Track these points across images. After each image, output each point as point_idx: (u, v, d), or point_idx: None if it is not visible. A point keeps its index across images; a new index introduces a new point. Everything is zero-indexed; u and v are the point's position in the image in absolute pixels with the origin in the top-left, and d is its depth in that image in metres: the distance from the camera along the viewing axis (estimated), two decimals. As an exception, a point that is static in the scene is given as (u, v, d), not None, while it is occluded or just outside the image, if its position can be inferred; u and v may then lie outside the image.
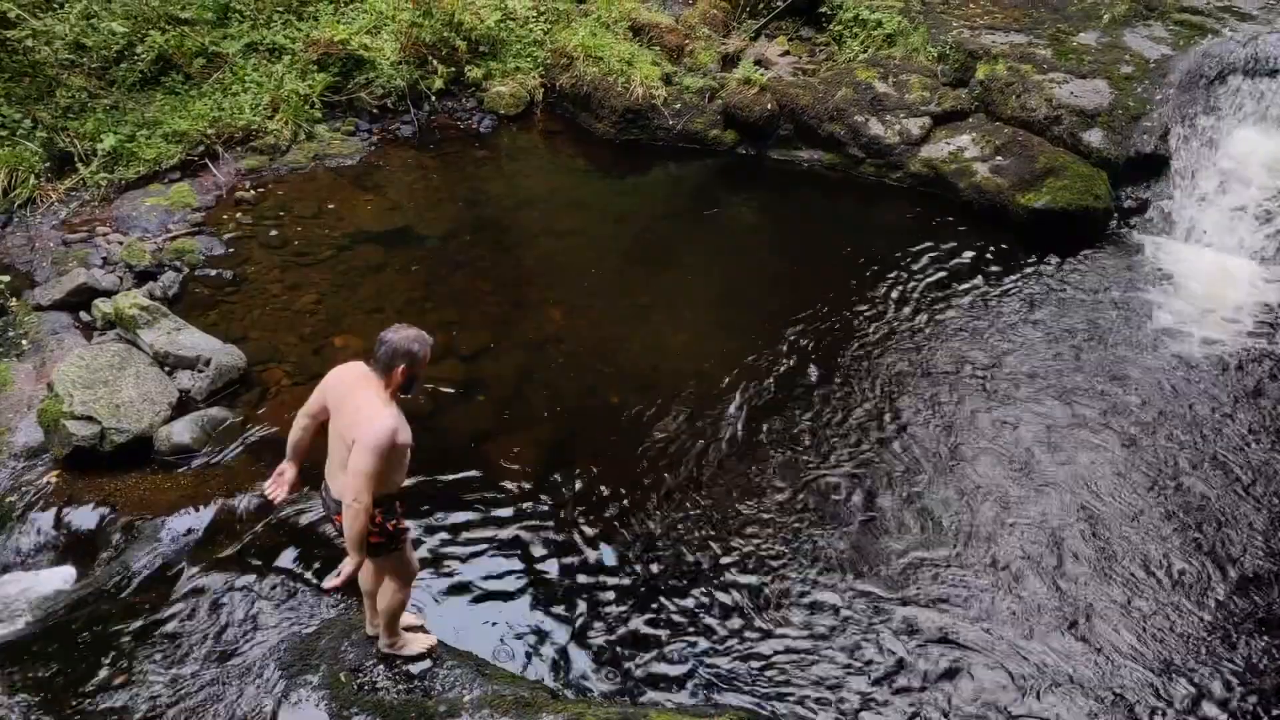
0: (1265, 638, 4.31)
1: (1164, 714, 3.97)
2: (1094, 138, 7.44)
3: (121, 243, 6.75)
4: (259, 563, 4.44)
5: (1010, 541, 4.76)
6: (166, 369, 5.48)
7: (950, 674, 4.11)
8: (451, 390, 5.66)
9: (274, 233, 7.10)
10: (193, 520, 4.56)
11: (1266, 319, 6.43)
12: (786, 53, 9.09)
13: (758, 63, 8.87)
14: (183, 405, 5.30)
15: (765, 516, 4.89)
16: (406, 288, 6.69)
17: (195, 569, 4.31)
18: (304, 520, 4.68)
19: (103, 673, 3.86)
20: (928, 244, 7.25)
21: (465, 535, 4.73)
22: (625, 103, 8.64)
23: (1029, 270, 6.93)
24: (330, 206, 7.50)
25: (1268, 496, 5.06)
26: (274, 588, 4.30)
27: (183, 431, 5.06)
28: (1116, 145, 7.38)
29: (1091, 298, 6.65)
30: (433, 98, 8.79)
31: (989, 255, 7.08)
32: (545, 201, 8.07)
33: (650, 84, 8.64)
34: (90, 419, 4.94)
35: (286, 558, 4.50)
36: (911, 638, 4.27)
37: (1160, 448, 5.39)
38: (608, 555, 4.66)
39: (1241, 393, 5.82)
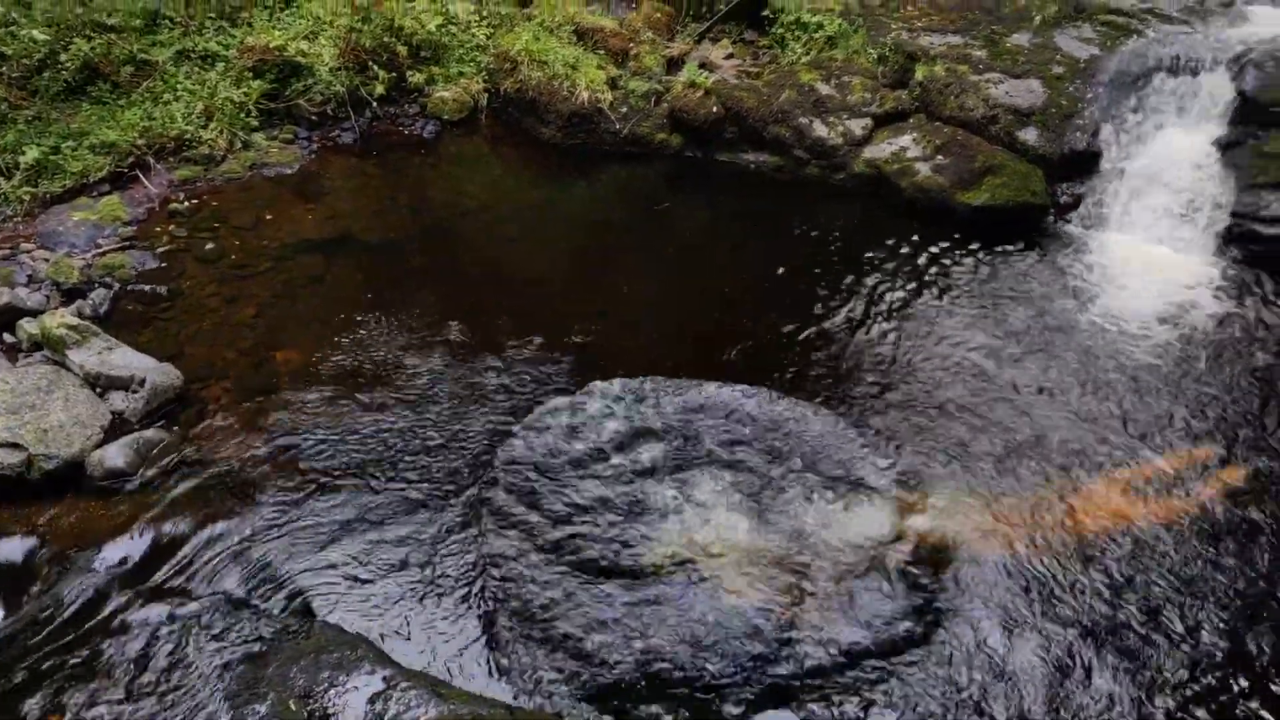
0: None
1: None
2: (1029, 136, 7.59)
3: (48, 260, 6.52)
4: (201, 588, 4.31)
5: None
6: (98, 390, 5.30)
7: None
8: (397, 402, 5.56)
9: (210, 245, 6.91)
10: (129, 548, 4.41)
11: (1186, 302, 6.65)
12: (730, 56, 9.12)
13: (702, 66, 8.88)
14: (116, 428, 5.12)
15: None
16: (350, 298, 6.57)
17: (133, 599, 4.17)
18: (248, 542, 4.56)
19: (35, 712, 3.70)
20: (873, 242, 7.33)
21: (413, 555, 4.65)
22: (571, 107, 8.59)
23: (970, 264, 7.06)
24: (269, 216, 7.33)
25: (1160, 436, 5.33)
26: (217, 613, 4.17)
27: (116, 455, 4.89)
28: (1051, 143, 7.54)
29: (1028, 288, 6.80)
30: (374, 104, 8.65)
31: (932, 251, 7.19)
32: (492, 207, 7.99)
33: (596, 88, 8.61)
34: (15, 446, 4.75)
35: (230, 581, 4.38)
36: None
37: (1066, 396, 5.77)
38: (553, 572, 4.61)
39: (1154, 362, 6.12)
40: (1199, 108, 7.39)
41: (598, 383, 5.55)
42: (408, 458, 5.17)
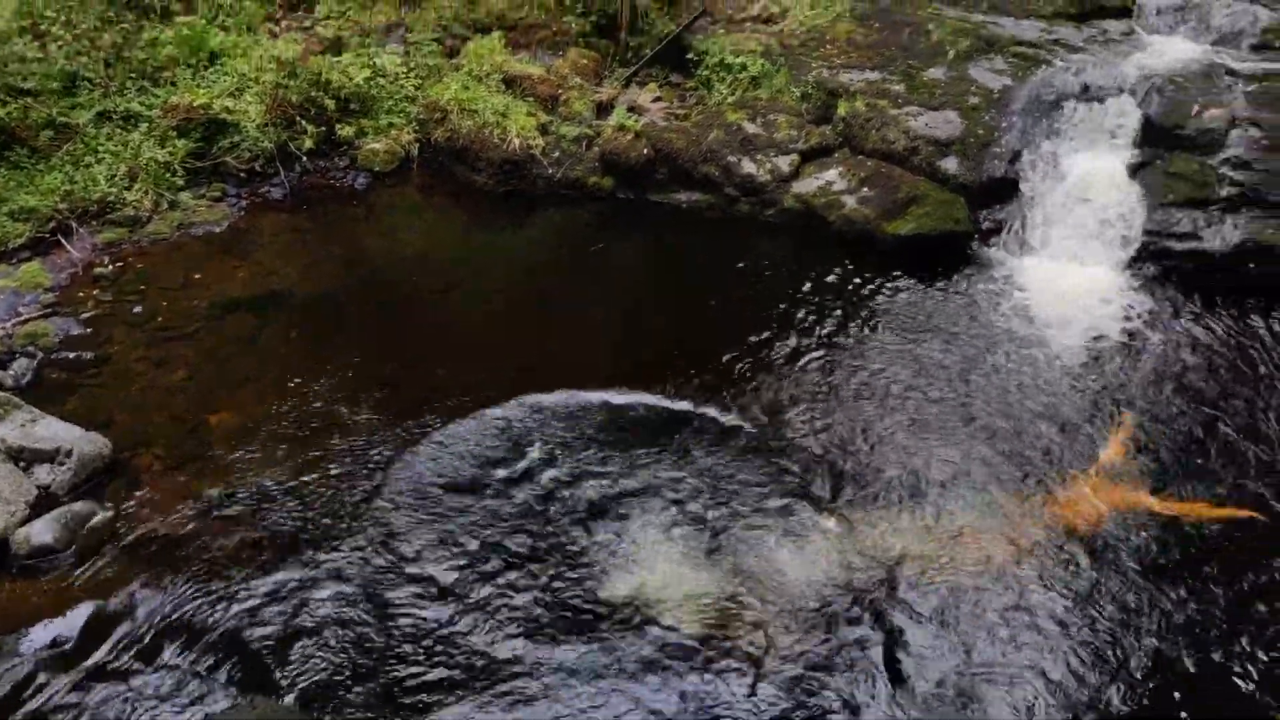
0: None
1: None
2: (950, 165, 7.84)
3: (-33, 331, 6.34)
4: (139, 665, 4.17)
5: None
6: (22, 465, 5.12)
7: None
8: (336, 460, 5.48)
9: (137, 308, 6.77)
10: (60, 628, 4.25)
11: (1105, 320, 6.87)
12: (658, 98, 9.28)
13: (631, 109, 9.02)
14: (43, 502, 4.95)
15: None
16: (284, 355, 6.48)
17: (66, 681, 4.01)
18: (187, 613, 4.43)
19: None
20: (804, 275, 7.47)
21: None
22: (503, 154, 8.65)
23: (897, 293, 7.24)
24: (197, 276, 7.21)
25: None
26: (158, 689, 4.05)
27: (43, 531, 4.73)
28: (971, 171, 7.79)
29: (953, 314, 6.99)
30: (303, 158, 8.60)
31: (860, 282, 7.35)
32: (427, 257, 7.98)
33: (527, 134, 8.68)
34: (-64, 528, 4.57)
35: (170, 653, 4.25)
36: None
37: (1000, 413, 5.95)
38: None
39: (1075, 375, 6.35)
40: (1108, 133, 7.72)
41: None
42: (342, 518, 5.08)
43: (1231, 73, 7.85)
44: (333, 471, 5.38)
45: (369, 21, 9.46)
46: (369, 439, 5.64)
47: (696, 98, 9.18)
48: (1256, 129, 7.39)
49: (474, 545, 4.88)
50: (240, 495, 5.17)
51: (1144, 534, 5.05)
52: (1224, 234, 7.17)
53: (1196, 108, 7.52)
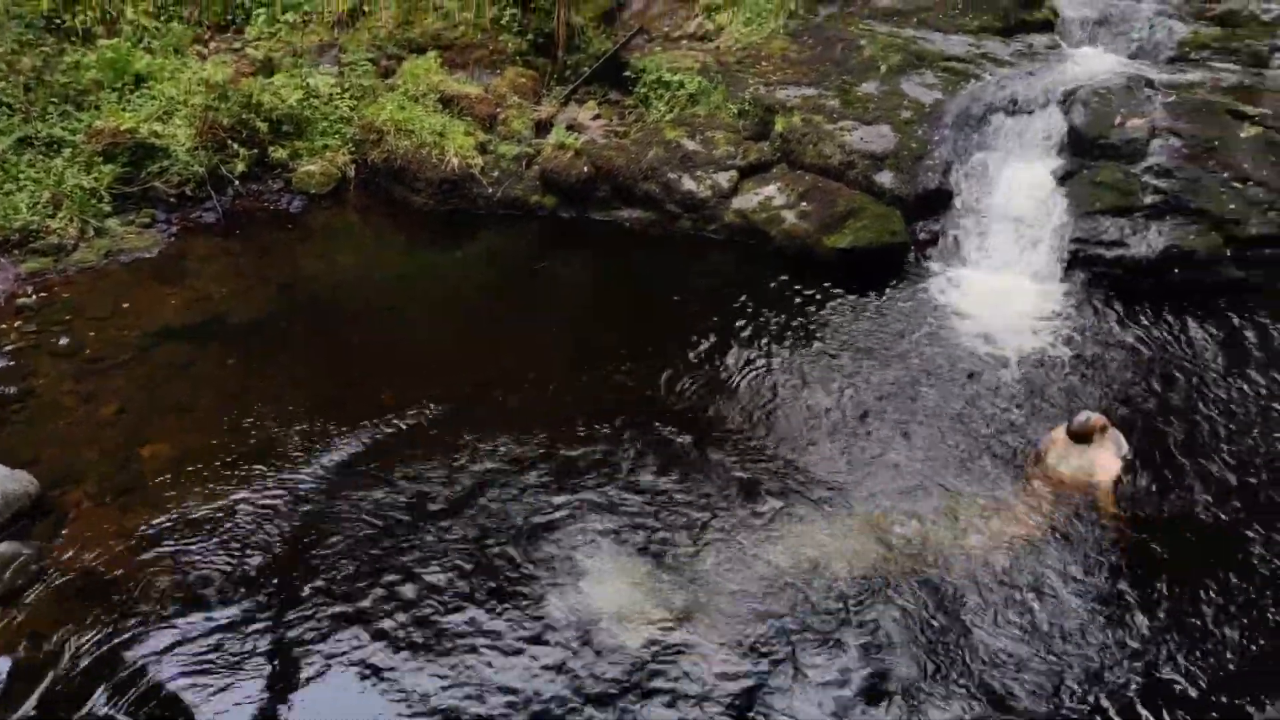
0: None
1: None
2: (885, 179, 7.98)
3: (-120, 369, 6.06)
4: (69, 712, 4.00)
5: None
6: (-58, 506, 4.91)
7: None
8: (274, 489, 5.35)
9: (63, 340, 6.55)
10: (-18, 677, 4.07)
11: (1038, 325, 7.04)
12: (597, 116, 9.30)
13: (570, 127, 9.03)
14: (-36, 545, 4.75)
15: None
16: (221, 384, 6.32)
17: (-11, 733, 3.84)
18: (118, 656, 4.27)
19: None
20: (746, 290, 7.52)
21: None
22: (441, 174, 8.58)
23: (839, 305, 7.33)
24: (127, 305, 7.01)
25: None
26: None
27: (-35, 575, 4.52)
28: (905, 184, 7.94)
29: (892, 324, 7.10)
30: (236, 182, 8.44)
31: (802, 294, 7.43)
32: (367, 279, 7.88)
33: (465, 153, 8.63)
34: None
35: (99, 700, 4.08)
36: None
37: (936, 423, 6.06)
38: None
39: (1011, 381, 6.48)
40: (1036, 143, 7.94)
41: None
42: (281, 549, 4.95)
43: (1150, 84, 8.13)
44: (270, 501, 5.24)
45: (301, 42, 9.34)
46: (309, 465, 5.52)
47: (635, 115, 9.22)
48: (1176, 138, 7.65)
49: (409, 579, 4.78)
50: (173, 532, 5.01)
51: (1085, 532, 5.17)
52: (1149, 240, 7.40)
53: (1119, 118, 7.77)
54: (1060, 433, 5.59)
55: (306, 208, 8.68)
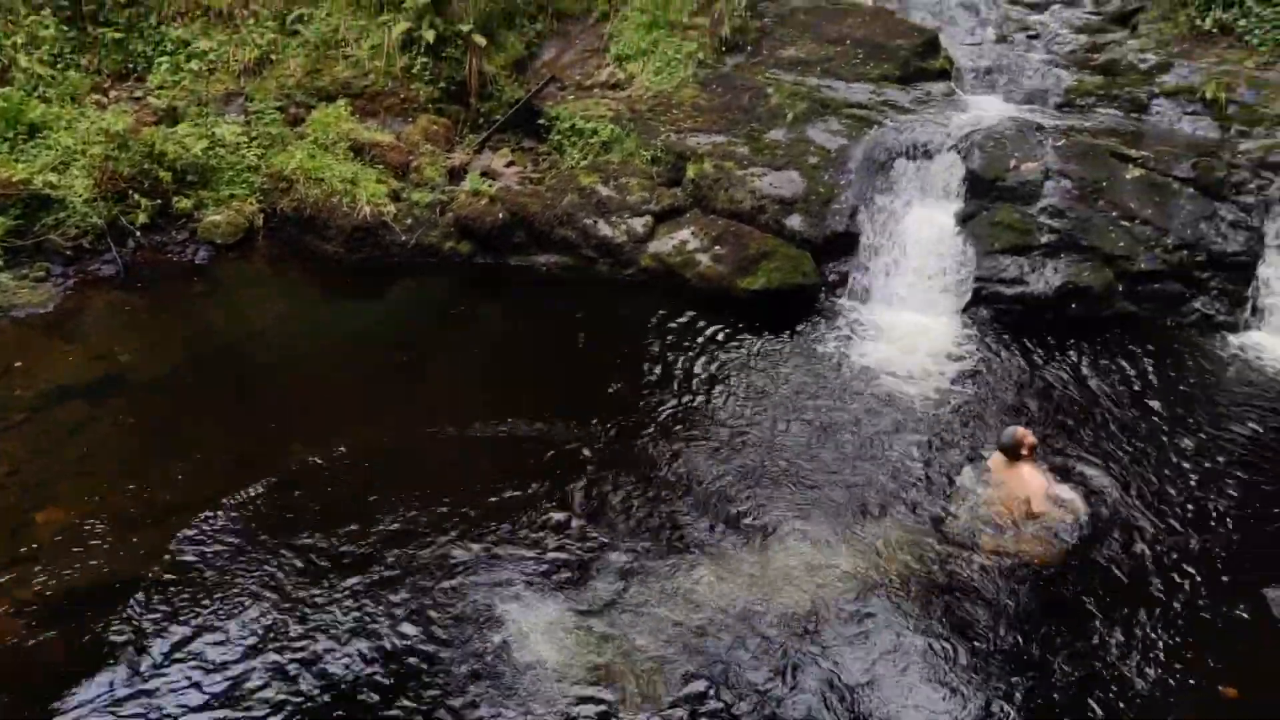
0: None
1: None
2: (795, 222, 8.19)
3: None
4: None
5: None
6: None
7: None
8: (175, 552, 5.13)
9: (-51, 402, 6.22)
10: None
11: (943, 361, 7.27)
12: (512, 163, 9.33)
13: (485, 174, 9.03)
14: None
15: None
16: (121, 445, 6.06)
17: None
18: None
19: None
20: (663, 333, 7.62)
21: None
22: (353, 222, 8.48)
23: (753, 344, 7.46)
24: (20, 364, 6.70)
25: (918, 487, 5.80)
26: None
27: None
28: (814, 227, 8.16)
29: (806, 361, 7.27)
30: (137, 233, 8.19)
31: (719, 335, 7.56)
32: (277, 330, 7.70)
33: (378, 201, 8.55)
34: None
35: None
36: None
37: (850, 460, 6.19)
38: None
39: (918, 416, 6.66)
40: (937, 186, 8.25)
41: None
42: (185, 615, 4.74)
43: (1041, 129, 8.56)
44: (174, 567, 5.02)
45: (206, 91, 9.16)
46: (214, 527, 5.31)
47: (550, 162, 9.29)
48: (1067, 180, 8.05)
49: (312, 650, 4.63)
50: (68, 602, 4.75)
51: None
52: (1047, 277, 7.74)
53: (1014, 162, 8.15)
54: (995, 458, 5.80)
55: (213, 259, 8.46)
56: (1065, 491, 5.66)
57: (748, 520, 5.58)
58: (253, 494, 5.58)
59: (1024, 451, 5.65)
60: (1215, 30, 9.66)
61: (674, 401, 6.71)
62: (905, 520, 5.62)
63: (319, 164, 8.63)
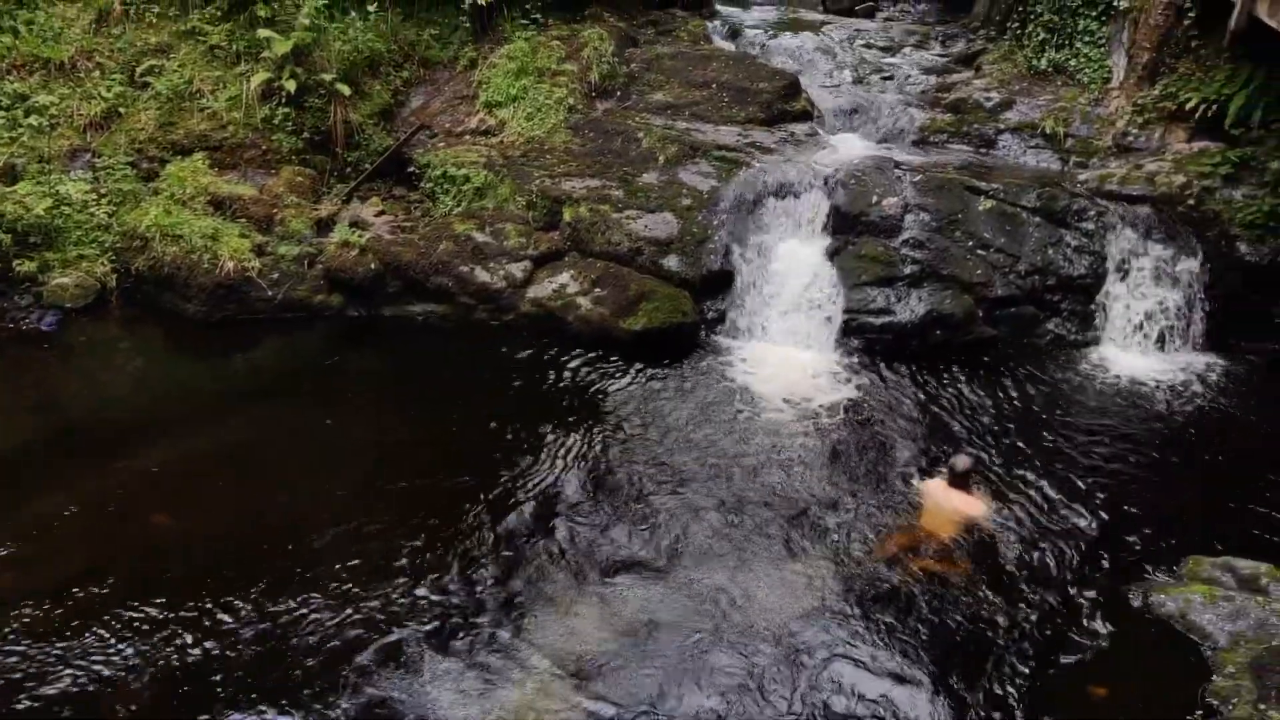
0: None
1: None
2: (672, 263, 8.29)
3: None
4: None
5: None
6: None
7: None
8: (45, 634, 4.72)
9: None
10: None
11: (817, 392, 7.48)
12: (382, 212, 9.14)
13: (354, 224, 8.81)
14: None
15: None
16: (-42, 530, 5.56)
17: None
18: None
19: None
20: (548, 376, 7.56)
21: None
22: (215, 279, 8.12)
23: (636, 384, 7.51)
24: None
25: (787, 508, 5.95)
26: None
27: None
28: (691, 267, 8.28)
29: (688, 398, 7.34)
30: (-28, 300, 7.61)
31: (603, 377, 7.57)
32: (136, 396, 7.26)
33: (241, 257, 8.21)
34: None
35: None
36: None
37: (738, 491, 6.28)
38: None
39: (788, 442, 6.84)
40: (805, 223, 8.51)
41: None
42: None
43: (899, 165, 8.96)
44: (12, 667, 4.61)
45: (48, 148, 8.64)
46: (66, 627, 4.89)
47: (423, 209, 9.14)
48: (926, 213, 8.44)
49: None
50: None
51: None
52: (912, 306, 8.06)
53: (875, 197, 8.49)
54: (930, 484, 6.12)
55: (63, 323, 7.94)
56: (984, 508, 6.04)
57: (636, 559, 5.55)
58: (105, 581, 5.19)
59: (970, 478, 6.04)
60: (1050, 69, 10.37)
61: (559, 447, 6.63)
62: (800, 543, 5.72)
63: (176, 220, 8.24)
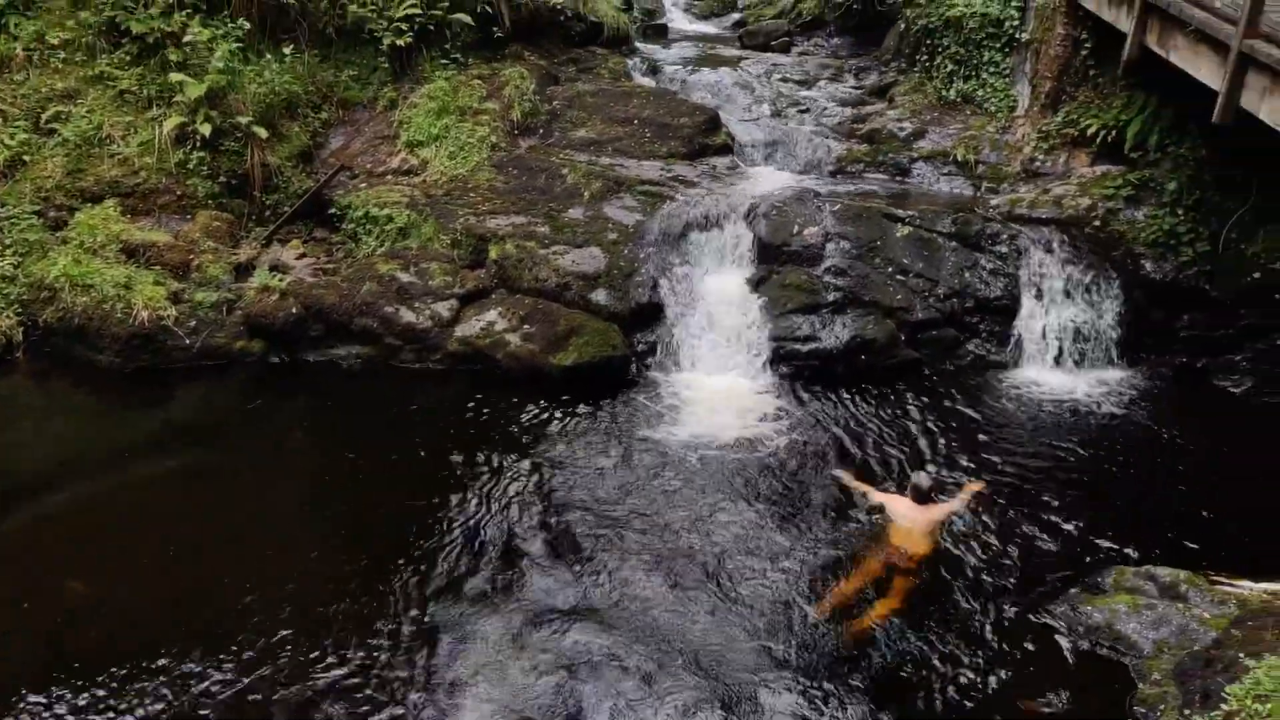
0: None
1: None
2: (600, 297, 8.29)
3: None
4: None
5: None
6: None
7: None
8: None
9: None
10: None
11: (746, 419, 7.54)
12: (303, 255, 8.98)
13: (275, 268, 8.63)
14: None
15: None
16: None
17: None
18: None
19: None
20: (474, 417, 7.48)
21: None
22: (129, 329, 7.86)
23: (568, 420, 7.48)
24: None
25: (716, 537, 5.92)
26: None
27: None
28: (619, 300, 8.29)
29: (619, 432, 7.35)
30: None
31: (534, 414, 7.53)
32: (45, 455, 6.96)
33: (156, 305, 7.97)
34: None
35: None
36: None
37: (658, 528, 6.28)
38: None
39: (723, 473, 6.88)
40: (730, 254, 8.62)
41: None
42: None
43: (819, 195, 9.15)
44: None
45: (-54, 198, 8.31)
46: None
47: (345, 251, 9.00)
48: (846, 241, 8.61)
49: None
50: None
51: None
52: (836, 333, 8.19)
53: (797, 227, 8.64)
54: (896, 503, 6.25)
55: (-36, 380, 7.59)
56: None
57: (571, 599, 5.51)
58: (15, 653, 4.94)
59: (934, 493, 6.24)
60: (959, 99, 10.73)
61: (487, 493, 6.55)
62: (734, 590, 5.71)
63: (86, 270, 7.97)
